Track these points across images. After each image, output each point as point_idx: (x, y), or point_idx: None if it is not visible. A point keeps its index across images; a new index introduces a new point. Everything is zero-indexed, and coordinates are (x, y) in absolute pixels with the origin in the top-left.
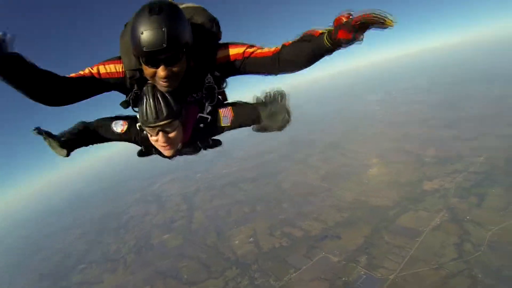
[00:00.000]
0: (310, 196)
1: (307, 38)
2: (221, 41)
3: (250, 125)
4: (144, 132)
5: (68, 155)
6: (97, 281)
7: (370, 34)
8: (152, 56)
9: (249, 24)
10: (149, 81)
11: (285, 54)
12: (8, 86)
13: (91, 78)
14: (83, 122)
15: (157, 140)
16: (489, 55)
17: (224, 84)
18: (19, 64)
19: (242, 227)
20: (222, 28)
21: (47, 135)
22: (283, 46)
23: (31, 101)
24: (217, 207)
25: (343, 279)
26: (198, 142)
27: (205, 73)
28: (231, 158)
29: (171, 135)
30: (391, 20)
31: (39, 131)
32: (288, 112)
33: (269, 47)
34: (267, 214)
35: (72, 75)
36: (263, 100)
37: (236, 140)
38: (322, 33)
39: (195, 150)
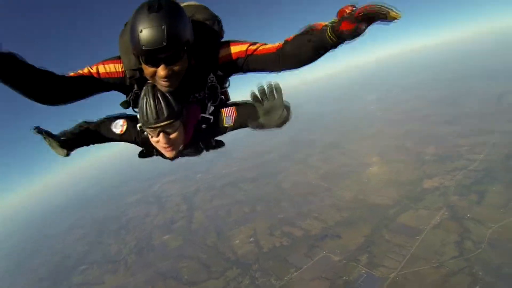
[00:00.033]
0: (310, 196)
1: (310, 32)
2: (223, 39)
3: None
4: (145, 133)
5: (68, 154)
6: (98, 282)
7: (372, 30)
8: (152, 55)
9: (251, 23)
10: (149, 81)
11: (288, 49)
12: (5, 86)
13: (90, 78)
14: (85, 122)
15: (158, 141)
16: (490, 52)
17: (227, 83)
18: (13, 63)
19: (242, 227)
20: (224, 27)
21: (47, 134)
22: (286, 41)
23: (30, 101)
24: (217, 207)
25: (344, 278)
26: (200, 143)
27: (207, 72)
28: (231, 158)
29: (172, 136)
30: (396, 13)
31: (39, 130)
32: (286, 108)
33: (272, 43)
34: (267, 214)
35: (71, 74)
36: (259, 96)
37: (236, 140)
38: (325, 27)
39: (197, 151)
